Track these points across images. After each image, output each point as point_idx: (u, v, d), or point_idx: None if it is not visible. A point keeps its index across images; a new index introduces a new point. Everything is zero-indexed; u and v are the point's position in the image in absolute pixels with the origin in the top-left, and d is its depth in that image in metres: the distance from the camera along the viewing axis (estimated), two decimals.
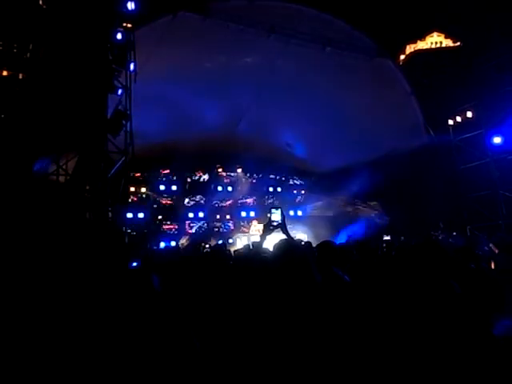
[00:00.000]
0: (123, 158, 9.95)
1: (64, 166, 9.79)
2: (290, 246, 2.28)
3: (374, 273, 3.56)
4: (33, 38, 9.15)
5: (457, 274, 2.95)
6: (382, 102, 14.84)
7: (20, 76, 9.10)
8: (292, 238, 3.05)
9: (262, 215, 16.66)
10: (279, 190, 18.38)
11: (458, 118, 15.15)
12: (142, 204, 15.47)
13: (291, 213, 17.61)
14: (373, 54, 14.90)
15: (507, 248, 6.05)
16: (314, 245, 5.09)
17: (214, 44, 12.91)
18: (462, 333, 1.89)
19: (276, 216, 3.00)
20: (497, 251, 6.61)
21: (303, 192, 18.69)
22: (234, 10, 12.68)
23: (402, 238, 12.06)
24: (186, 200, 16.68)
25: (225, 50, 13.36)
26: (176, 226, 16.20)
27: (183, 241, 15.47)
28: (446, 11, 14.12)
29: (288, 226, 3.06)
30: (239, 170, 17.66)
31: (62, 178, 9.65)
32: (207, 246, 15.25)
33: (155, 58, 11.75)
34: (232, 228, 17.18)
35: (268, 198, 18.05)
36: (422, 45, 17.30)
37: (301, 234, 15.33)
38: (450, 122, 15.39)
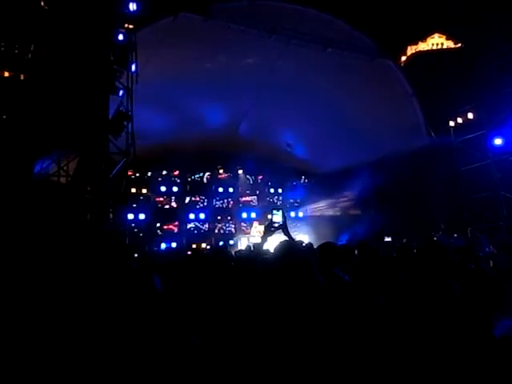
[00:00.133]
0: (124, 159, 9.96)
1: (65, 167, 9.80)
2: (291, 248, 2.29)
3: (375, 274, 3.56)
4: (34, 39, 9.16)
5: (457, 275, 2.95)
6: (382, 102, 14.84)
7: (21, 77, 9.11)
8: (293, 240, 3.05)
9: (263, 216, 16.66)
10: (280, 190, 18.37)
11: (459, 120, 15.13)
12: (142, 205, 15.47)
13: (292, 214, 17.60)
14: (374, 54, 14.89)
15: (507, 248, 6.05)
16: (315, 246, 5.10)
17: (215, 45, 12.93)
18: (462, 332, 1.90)
19: (277, 217, 2.99)
20: (497, 252, 6.61)
21: (304, 193, 18.67)
22: (235, 10, 12.68)
23: (405, 239, 12.05)
24: (187, 201, 16.67)
25: (226, 50, 13.38)
26: (177, 227, 16.19)
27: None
28: (447, 12, 14.11)
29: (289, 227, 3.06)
30: (240, 171, 17.66)
31: (63, 179, 9.66)
32: (208, 247, 15.28)
33: (157, 59, 11.77)
34: (233, 229, 17.17)
35: (269, 199, 18.04)
36: (423, 46, 17.28)
37: (302, 235, 15.32)
38: (451, 123, 15.37)
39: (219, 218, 17.06)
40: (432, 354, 1.87)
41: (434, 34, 17.09)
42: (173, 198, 16.46)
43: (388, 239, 13.47)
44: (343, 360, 1.87)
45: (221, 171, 17.45)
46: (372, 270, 3.68)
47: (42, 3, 9.15)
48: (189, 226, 16.36)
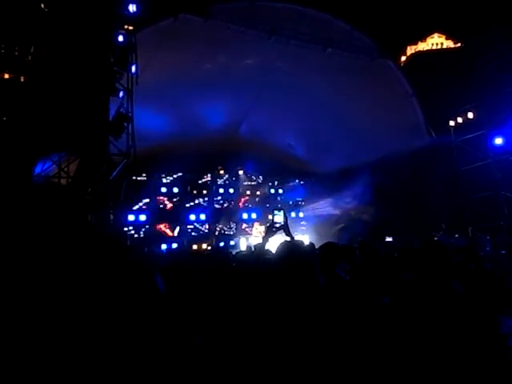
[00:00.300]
0: (125, 161, 9.96)
1: (66, 169, 9.80)
2: (293, 248, 2.28)
3: (377, 274, 3.56)
4: (34, 41, 9.16)
5: (459, 275, 2.95)
6: (382, 102, 14.85)
7: (21, 79, 9.11)
8: (295, 240, 3.05)
9: (264, 217, 16.65)
10: (281, 191, 18.36)
11: (459, 119, 15.12)
12: (143, 206, 15.45)
13: (293, 214, 17.59)
14: (374, 54, 14.92)
15: (508, 249, 6.05)
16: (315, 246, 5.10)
17: (214, 45, 12.94)
18: (465, 332, 1.89)
19: (279, 217, 2.99)
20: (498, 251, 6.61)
21: (304, 193, 18.65)
22: (235, 11, 12.70)
23: (406, 239, 12.03)
24: (188, 201, 16.65)
25: (226, 51, 13.39)
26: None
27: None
28: (446, 12, 14.12)
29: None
30: (241, 172, 17.64)
31: (63, 181, 9.66)
32: (209, 247, 15.25)
33: (156, 60, 11.78)
34: (234, 230, 17.15)
35: (269, 200, 18.02)
36: (422, 46, 17.33)
37: (302, 236, 15.31)
38: (451, 122, 15.36)
39: (220, 218, 17.03)
40: (439, 355, 1.87)
41: (433, 33, 17.13)
42: (174, 199, 16.42)
43: (389, 239, 13.46)
44: (348, 361, 1.87)
45: (221, 172, 17.42)
46: (374, 271, 3.67)
47: (42, 5, 9.15)
48: (189, 226, 16.33)
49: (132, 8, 9.94)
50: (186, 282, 3.62)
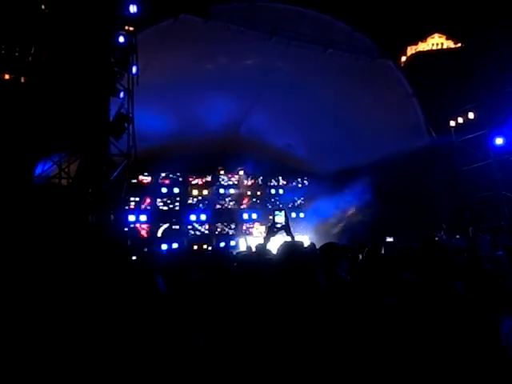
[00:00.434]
0: (125, 161, 9.96)
1: (66, 169, 9.80)
2: (294, 249, 2.29)
3: (379, 274, 3.56)
4: (35, 42, 9.17)
5: (460, 275, 2.95)
6: (383, 102, 14.85)
7: (22, 79, 9.11)
8: (296, 240, 3.05)
9: (264, 217, 16.65)
10: (281, 191, 18.35)
11: (460, 119, 15.13)
12: (144, 206, 15.45)
13: (293, 215, 17.58)
14: (374, 55, 14.92)
15: (506, 250, 6.06)
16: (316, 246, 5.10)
17: (215, 46, 12.93)
18: (466, 332, 1.89)
19: (280, 218, 3.00)
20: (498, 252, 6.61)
21: (305, 193, 18.63)
22: (235, 12, 12.70)
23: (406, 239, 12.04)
24: (188, 202, 16.65)
25: (226, 51, 13.38)
26: (178, 228, 16.16)
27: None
28: (446, 12, 14.12)
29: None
30: (241, 172, 17.63)
31: (64, 181, 9.66)
32: (209, 248, 15.24)
33: (157, 61, 11.78)
34: (234, 230, 17.14)
35: (270, 200, 18.01)
36: (423, 46, 17.32)
37: (303, 236, 15.31)
38: (452, 123, 15.37)
39: (220, 219, 17.02)
40: (440, 354, 1.87)
41: (433, 34, 17.11)
42: (175, 199, 16.42)
43: (390, 239, 13.46)
44: (350, 361, 1.87)
45: (221, 172, 17.41)
46: (375, 271, 3.68)
47: (43, 6, 9.16)
48: (189, 227, 16.33)
49: (132, 9, 9.95)
50: (187, 282, 3.62)
